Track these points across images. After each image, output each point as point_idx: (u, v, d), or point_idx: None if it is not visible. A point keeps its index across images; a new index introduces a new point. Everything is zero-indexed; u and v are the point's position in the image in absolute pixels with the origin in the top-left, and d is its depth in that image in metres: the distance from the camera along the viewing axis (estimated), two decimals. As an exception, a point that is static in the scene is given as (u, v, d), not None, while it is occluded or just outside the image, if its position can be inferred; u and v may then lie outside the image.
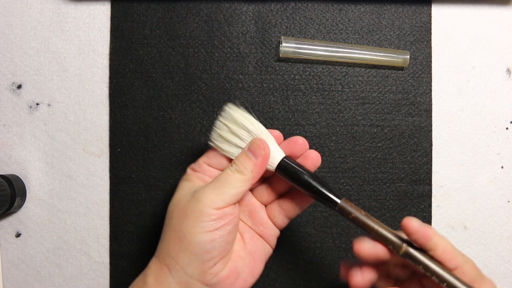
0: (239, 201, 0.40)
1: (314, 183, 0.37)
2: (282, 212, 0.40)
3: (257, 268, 0.39)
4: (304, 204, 0.40)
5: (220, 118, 0.39)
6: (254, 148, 0.37)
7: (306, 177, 0.37)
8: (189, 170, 0.39)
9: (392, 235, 0.35)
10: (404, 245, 0.34)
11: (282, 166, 0.37)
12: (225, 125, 0.38)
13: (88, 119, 0.47)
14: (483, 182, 0.47)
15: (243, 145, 0.38)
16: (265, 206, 0.41)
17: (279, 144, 0.39)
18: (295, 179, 0.37)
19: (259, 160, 0.37)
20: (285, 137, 0.45)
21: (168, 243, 0.36)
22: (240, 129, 0.38)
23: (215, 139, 0.38)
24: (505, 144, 0.47)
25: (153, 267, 0.37)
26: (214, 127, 0.39)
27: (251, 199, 0.41)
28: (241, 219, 0.40)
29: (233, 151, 0.38)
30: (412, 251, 0.34)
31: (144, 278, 0.37)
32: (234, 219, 0.36)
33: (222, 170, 0.38)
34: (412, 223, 0.34)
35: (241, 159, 0.37)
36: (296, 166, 0.37)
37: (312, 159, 0.39)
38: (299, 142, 0.39)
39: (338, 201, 0.36)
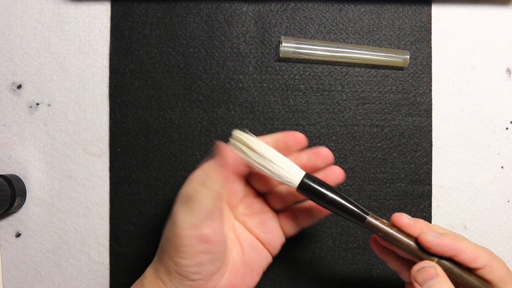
0: (251, 211, 0.39)
1: (340, 200, 0.35)
2: (296, 221, 0.39)
3: (253, 280, 0.39)
4: (321, 214, 0.39)
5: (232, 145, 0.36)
6: (219, 157, 0.35)
7: (330, 194, 0.35)
8: (199, 172, 0.36)
9: (419, 249, 0.35)
10: (436, 259, 0.34)
11: (304, 185, 0.35)
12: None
13: (88, 119, 0.47)
14: (483, 182, 0.47)
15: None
16: (278, 212, 0.40)
17: (302, 148, 0.37)
18: (319, 198, 0.35)
19: (223, 168, 0.34)
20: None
21: (161, 260, 0.36)
22: (251, 155, 0.36)
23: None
24: (505, 144, 0.47)
25: (150, 278, 0.36)
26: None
27: (264, 207, 0.40)
28: (249, 227, 0.39)
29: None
30: (446, 263, 0.34)
31: None
32: (218, 238, 0.34)
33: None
34: (402, 219, 0.35)
35: (207, 169, 0.35)
36: (318, 184, 0.35)
37: (335, 176, 0.38)
38: (323, 154, 0.37)
39: (366, 217, 0.35)
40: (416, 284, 0.33)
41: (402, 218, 0.35)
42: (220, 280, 0.36)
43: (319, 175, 0.37)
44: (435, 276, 0.33)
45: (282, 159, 0.36)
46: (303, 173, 0.36)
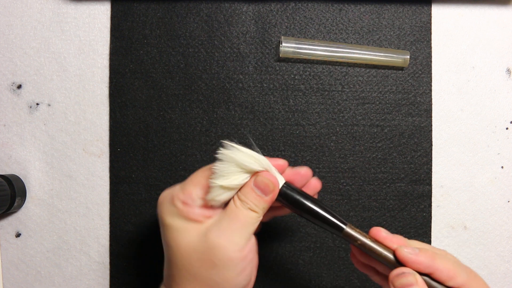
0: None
1: (318, 210, 0.35)
2: (270, 214, 0.40)
3: (257, 261, 0.39)
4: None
5: (218, 160, 0.35)
6: (264, 186, 0.35)
7: (308, 205, 0.35)
8: (179, 204, 0.35)
9: (396, 262, 0.34)
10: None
11: (282, 193, 0.35)
12: (226, 166, 0.35)
13: (88, 119, 0.47)
14: (483, 182, 0.47)
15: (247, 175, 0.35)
16: None
17: (283, 171, 0.37)
18: (298, 207, 0.35)
19: (269, 197, 0.35)
20: (285, 137, 0.45)
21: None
22: (241, 167, 0.35)
23: (218, 179, 0.35)
24: (505, 144, 0.47)
25: None
26: (214, 169, 0.35)
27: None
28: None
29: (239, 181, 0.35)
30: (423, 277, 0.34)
31: None
32: (255, 250, 0.36)
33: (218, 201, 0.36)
34: (380, 232, 0.35)
35: (251, 197, 0.35)
36: (296, 195, 0.35)
37: (312, 187, 0.38)
38: (302, 173, 0.38)
39: (344, 227, 0.35)
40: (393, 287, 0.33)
41: (381, 232, 0.35)
42: None
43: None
44: (414, 283, 0.32)
45: (264, 167, 0.35)
46: (283, 180, 0.36)
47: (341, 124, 0.47)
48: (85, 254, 0.46)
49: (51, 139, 0.46)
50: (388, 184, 0.47)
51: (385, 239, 0.35)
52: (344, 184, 0.47)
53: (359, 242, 0.35)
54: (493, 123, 0.47)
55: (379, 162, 0.47)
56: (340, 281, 0.47)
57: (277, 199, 0.36)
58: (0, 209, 0.42)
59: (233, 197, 0.35)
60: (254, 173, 0.35)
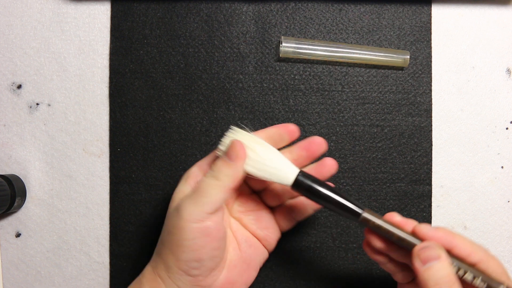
0: (246, 208, 0.40)
1: (334, 197, 0.35)
2: (291, 215, 0.40)
3: (251, 276, 0.39)
4: (316, 207, 0.40)
5: (221, 143, 0.37)
6: (229, 151, 0.35)
7: (324, 191, 0.35)
8: (195, 169, 0.38)
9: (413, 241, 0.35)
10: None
11: (298, 182, 0.36)
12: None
13: (88, 119, 0.47)
14: (483, 182, 0.47)
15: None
16: (274, 208, 0.41)
17: (294, 139, 0.38)
18: (314, 195, 0.36)
19: (234, 162, 0.35)
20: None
21: (160, 256, 0.36)
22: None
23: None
24: (505, 144, 0.47)
25: (148, 276, 0.37)
26: (219, 150, 0.37)
27: (259, 204, 0.40)
28: (245, 224, 0.40)
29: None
30: None
31: (140, 287, 0.37)
32: (219, 234, 0.35)
33: None
34: (395, 216, 0.35)
35: (217, 163, 0.35)
36: (312, 181, 0.35)
37: (328, 167, 0.38)
38: (317, 142, 0.38)
39: (361, 212, 0.35)
40: (417, 263, 0.33)
41: (395, 216, 0.36)
42: (219, 277, 0.37)
43: (313, 168, 0.38)
44: (440, 255, 0.32)
45: (276, 157, 0.36)
46: (297, 170, 0.36)
47: (341, 124, 0.47)
48: (85, 254, 0.46)
49: (51, 139, 0.46)
50: (388, 184, 0.47)
51: (401, 222, 0.35)
52: (344, 184, 0.47)
53: (375, 226, 0.35)
54: (493, 123, 0.47)
55: (379, 162, 0.47)
56: (340, 281, 0.47)
57: (293, 189, 0.36)
58: (0, 209, 0.42)
59: None
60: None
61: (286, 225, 0.40)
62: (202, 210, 0.34)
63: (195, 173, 0.38)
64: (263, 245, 0.40)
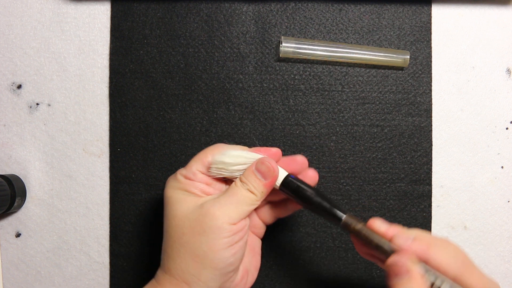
0: None
1: (320, 200, 0.37)
2: (272, 214, 0.41)
3: (258, 261, 0.41)
4: (296, 207, 0.41)
5: (213, 166, 0.38)
6: (264, 170, 0.37)
7: (309, 194, 0.37)
8: (181, 178, 0.38)
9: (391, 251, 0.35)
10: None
11: (286, 183, 0.38)
12: (221, 168, 0.38)
13: (88, 119, 0.47)
14: (483, 182, 0.47)
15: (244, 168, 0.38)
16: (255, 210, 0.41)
17: (277, 160, 0.39)
18: (300, 197, 0.37)
19: (268, 181, 0.37)
20: (285, 137, 0.45)
21: (185, 261, 0.36)
22: (235, 166, 0.38)
23: (215, 172, 0.38)
24: (505, 144, 0.47)
25: (168, 285, 0.36)
26: (211, 170, 0.38)
27: None
28: None
29: (236, 174, 0.38)
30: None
31: None
32: (247, 231, 0.37)
33: (218, 178, 0.39)
34: (376, 222, 0.36)
35: (251, 180, 0.37)
36: (300, 184, 0.37)
37: (310, 179, 0.40)
38: (299, 161, 0.39)
39: (342, 217, 0.36)
40: (389, 275, 0.33)
41: (377, 222, 0.36)
42: (238, 271, 0.38)
43: (284, 160, 0.40)
44: (406, 272, 0.32)
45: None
46: (285, 173, 0.38)
47: (341, 124, 0.47)
48: (85, 254, 0.46)
49: (51, 139, 0.46)
50: (388, 184, 0.47)
51: (381, 229, 0.35)
52: (344, 184, 0.47)
53: (356, 232, 0.36)
54: (493, 123, 0.47)
55: (379, 162, 0.47)
56: (340, 281, 0.47)
57: (280, 189, 0.38)
58: (0, 209, 0.42)
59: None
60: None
61: (269, 220, 0.42)
62: (240, 216, 0.36)
63: (181, 170, 0.39)
64: (255, 234, 0.42)
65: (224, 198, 0.37)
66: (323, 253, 0.47)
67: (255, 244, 0.42)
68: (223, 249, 0.35)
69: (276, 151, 0.39)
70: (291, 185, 0.37)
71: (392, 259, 0.34)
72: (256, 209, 0.41)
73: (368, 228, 0.36)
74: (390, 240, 0.35)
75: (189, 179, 0.38)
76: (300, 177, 0.39)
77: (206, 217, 0.35)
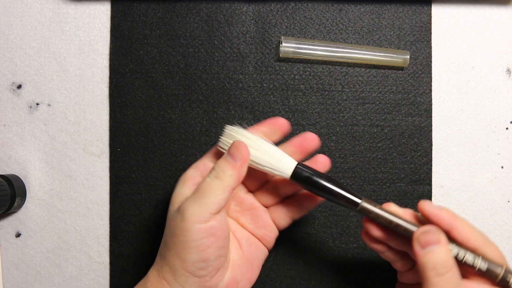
0: (242, 207, 0.40)
1: (333, 187, 0.36)
2: (287, 214, 0.40)
3: (254, 274, 0.39)
4: (311, 205, 0.40)
5: (221, 142, 0.37)
6: (233, 151, 0.35)
7: (322, 182, 0.36)
8: (192, 171, 0.38)
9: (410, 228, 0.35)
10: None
11: (297, 174, 0.36)
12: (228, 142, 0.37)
13: (88, 119, 0.47)
14: (483, 182, 0.47)
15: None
16: (268, 207, 0.41)
17: (285, 133, 0.38)
18: (312, 185, 0.36)
19: (238, 163, 0.35)
20: (285, 137, 0.45)
21: (164, 259, 0.36)
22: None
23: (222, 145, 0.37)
24: (505, 144, 0.47)
25: (153, 280, 0.37)
26: (219, 146, 0.38)
27: (254, 203, 0.40)
28: (242, 223, 0.40)
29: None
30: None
31: None
32: (224, 233, 0.35)
33: None
34: (392, 205, 0.36)
35: (220, 163, 0.35)
36: (310, 173, 0.36)
37: (321, 164, 0.39)
38: (309, 138, 0.38)
39: (359, 201, 0.36)
40: (416, 247, 0.33)
41: (392, 206, 0.36)
42: (224, 277, 0.37)
43: (307, 164, 0.39)
44: (439, 240, 0.33)
45: (273, 151, 0.37)
46: (295, 163, 0.37)
47: (341, 124, 0.47)
48: (85, 254, 0.46)
49: (51, 139, 0.46)
50: (388, 184, 0.47)
51: (397, 211, 0.36)
52: (344, 184, 0.47)
53: (375, 214, 0.35)
54: (493, 123, 0.47)
55: (379, 162, 0.47)
56: (340, 281, 0.47)
57: (291, 180, 0.36)
58: (0, 209, 0.42)
59: None
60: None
61: (283, 223, 0.40)
62: (207, 211, 0.34)
63: (192, 175, 0.38)
64: (263, 243, 0.40)
65: (193, 193, 0.35)
66: (323, 253, 0.47)
67: (256, 256, 0.40)
68: (192, 253, 0.34)
69: (283, 122, 0.38)
70: (301, 175, 0.36)
71: (422, 229, 0.34)
72: (269, 209, 0.40)
73: (386, 210, 0.36)
74: (417, 205, 0.35)
75: (198, 169, 0.38)
76: (311, 163, 0.38)
77: (177, 218, 0.35)
